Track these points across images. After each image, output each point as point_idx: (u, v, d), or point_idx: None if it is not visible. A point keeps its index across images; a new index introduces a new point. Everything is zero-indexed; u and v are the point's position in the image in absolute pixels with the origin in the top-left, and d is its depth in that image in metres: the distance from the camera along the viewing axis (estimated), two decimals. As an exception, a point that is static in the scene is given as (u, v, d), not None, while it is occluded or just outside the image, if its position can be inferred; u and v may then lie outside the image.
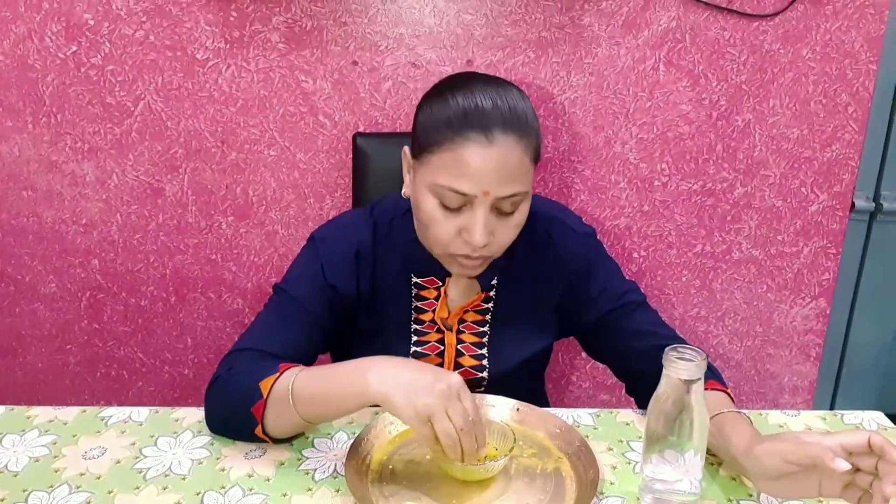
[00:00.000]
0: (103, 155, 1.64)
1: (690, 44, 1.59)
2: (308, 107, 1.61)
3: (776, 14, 1.57)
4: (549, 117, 1.63)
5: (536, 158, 0.97)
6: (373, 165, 1.48)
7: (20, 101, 1.60)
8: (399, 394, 0.81)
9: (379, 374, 0.83)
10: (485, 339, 1.10)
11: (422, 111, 0.98)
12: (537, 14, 1.56)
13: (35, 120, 1.61)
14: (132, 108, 1.60)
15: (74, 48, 1.56)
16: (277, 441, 0.95)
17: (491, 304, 1.10)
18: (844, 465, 0.73)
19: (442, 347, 1.10)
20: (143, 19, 1.54)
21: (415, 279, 1.08)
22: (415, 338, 1.10)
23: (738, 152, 1.67)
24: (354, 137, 1.51)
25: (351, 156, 1.54)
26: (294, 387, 0.88)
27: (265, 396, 0.89)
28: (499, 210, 0.95)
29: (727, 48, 1.60)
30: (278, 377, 0.90)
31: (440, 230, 0.96)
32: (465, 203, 0.94)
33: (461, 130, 0.91)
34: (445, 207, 0.95)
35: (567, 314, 1.13)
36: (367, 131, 1.61)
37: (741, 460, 0.83)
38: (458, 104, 0.92)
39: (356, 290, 1.07)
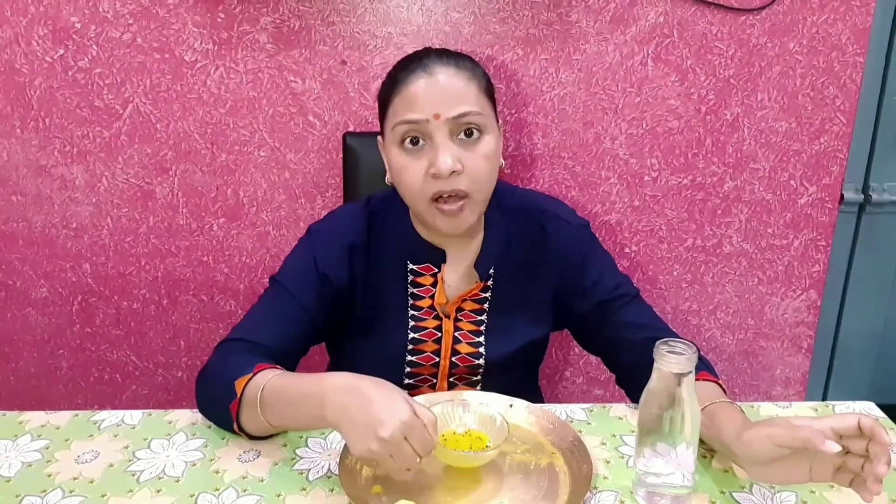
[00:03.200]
0: (92, 158, 1.63)
1: (678, 39, 1.59)
2: (297, 107, 1.61)
3: (763, 8, 1.58)
4: (538, 114, 1.64)
5: (488, 93, 1.01)
6: (363, 165, 1.48)
7: (7, 105, 1.59)
8: (349, 432, 0.82)
9: (334, 404, 0.83)
10: (482, 328, 1.12)
11: (378, 95, 1.05)
12: (525, 11, 1.56)
13: (23, 124, 1.60)
14: (121, 111, 1.60)
15: (62, 51, 1.55)
16: (255, 438, 0.96)
17: (488, 294, 1.11)
18: (835, 447, 0.74)
19: (439, 334, 1.11)
20: (130, 21, 1.54)
21: (411, 266, 1.10)
22: (412, 323, 1.10)
23: (727, 146, 1.68)
24: (344, 137, 1.51)
25: (341, 155, 1.54)
26: (262, 393, 0.89)
27: (238, 396, 0.91)
28: (461, 139, 0.98)
29: (715, 43, 1.60)
30: (251, 378, 0.91)
31: (410, 175, 0.99)
32: (426, 138, 0.98)
33: (403, 77, 0.98)
34: (408, 149, 0.98)
35: (561, 305, 1.14)
36: (357, 130, 1.61)
37: (732, 446, 0.84)
38: (400, 66, 1.01)
39: (350, 280, 1.08)
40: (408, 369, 1.12)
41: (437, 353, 1.11)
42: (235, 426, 0.94)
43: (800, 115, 1.66)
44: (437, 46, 1.07)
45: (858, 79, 1.64)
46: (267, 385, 0.89)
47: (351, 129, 1.62)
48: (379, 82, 1.58)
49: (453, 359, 1.11)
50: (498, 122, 1.04)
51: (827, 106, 1.66)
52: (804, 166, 1.70)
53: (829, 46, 1.61)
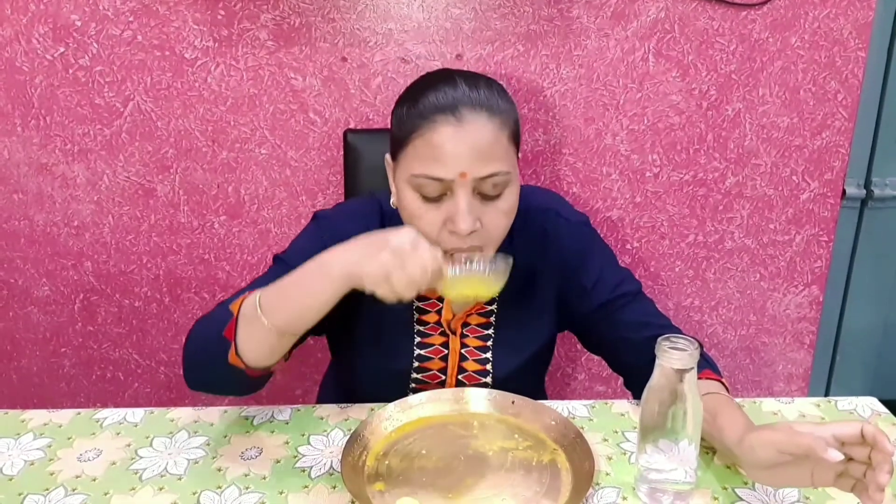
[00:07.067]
0: (93, 156, 1.63)
1: (679, 34, 1.59)
2: (298, 104, 1.61)
3: (764, 3, 1.57)
4: (539, 110, 1.63)
5: (516, 139, 0.95)
6: (364, 162, 1.48)
7: (8, 103, 1.59)
8: (359, 255, 0.83)
9: (337, 256, 0.84)
10: (489, 343, 1.09)
11: (395, 112, 0.97)
12: (526, 7, 1.56)
13: (24, 122, 1.60)
14: (121, 109, 1.60)
15: (62, 49, 1.55)
16: (252, 371, 0.90)
17: (494, 306, 1.09)
18: (837, 456, 0.73)
19: (445, 351, 1.09)
20: (131, 19, 1.54)
21: None
22: (418, 339, 1.09)
23: (728, 142, 1.68)
24: (345, 134, 1.51)
25: (342, 153, 1.54)
26: (261, 299, 0.87)
27: (235, 315, 0.89)
28: (482, 195, 0.92)
29: (716, 38, 1.60)
30: (246, 297, 0.90)
31: (424, 225, 0.93)
32: (446, 191, 0.91)
33: (430, 116, 0.90)
34: (426, 199, 0.92)
35: (563, 306, 1.12)
36: (358, 128, 1.61)
37: (734, 450, 0.83)
38: (427, 95, 0.92)
39: None
40: (413, 385, 1.10)
41: (444, 370, 1.09)
42: (232, 351, 0.88)
43: (801, 111, 1.66)
44: (454, 68, 0.99)
45: (860, 73, 1.63)
46: (262, 292, 0.88)
47: (352, 126, 1.61)
48: (380, 79, 1.60)
49: (459, 377, 1.09)
50: (519, 161, 0.98)
51: (829, 101, 1.65)
52: (806, 162, 1.70)
53: (831, 41, 1.61)
